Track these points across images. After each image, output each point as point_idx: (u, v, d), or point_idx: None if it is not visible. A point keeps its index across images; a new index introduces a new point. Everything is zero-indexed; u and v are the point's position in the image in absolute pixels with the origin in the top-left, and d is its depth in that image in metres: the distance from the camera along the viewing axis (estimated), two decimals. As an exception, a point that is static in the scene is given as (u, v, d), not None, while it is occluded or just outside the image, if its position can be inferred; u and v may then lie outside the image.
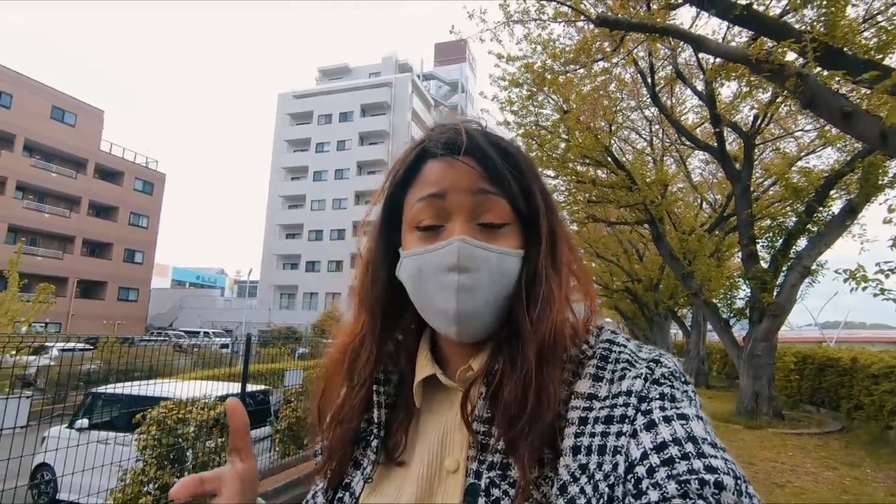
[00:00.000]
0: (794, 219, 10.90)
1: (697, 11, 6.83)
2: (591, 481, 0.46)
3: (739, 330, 12.00)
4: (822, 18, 4.51)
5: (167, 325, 37.66)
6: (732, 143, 11.67)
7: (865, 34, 5.56)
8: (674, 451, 0.43)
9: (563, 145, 10.66)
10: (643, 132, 13.48)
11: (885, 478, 5.91)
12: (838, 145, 9.87)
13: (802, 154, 11.25)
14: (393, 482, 0.58)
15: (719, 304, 12.26)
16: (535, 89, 9.13)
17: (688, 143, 11.19)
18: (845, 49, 4.32)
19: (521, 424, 0.50)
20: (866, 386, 7.93)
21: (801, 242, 10.18)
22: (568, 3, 5.62)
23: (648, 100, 10.22)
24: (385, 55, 46.25)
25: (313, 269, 38.91)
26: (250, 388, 4.99)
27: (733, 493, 0.41)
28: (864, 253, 9.87)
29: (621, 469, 0.45)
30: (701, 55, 8.35)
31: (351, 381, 0.63)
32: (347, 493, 0.59)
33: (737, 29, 7.20)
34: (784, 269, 9.74)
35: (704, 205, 16.04)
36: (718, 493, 0.40)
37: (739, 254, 11.14)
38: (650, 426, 0.46)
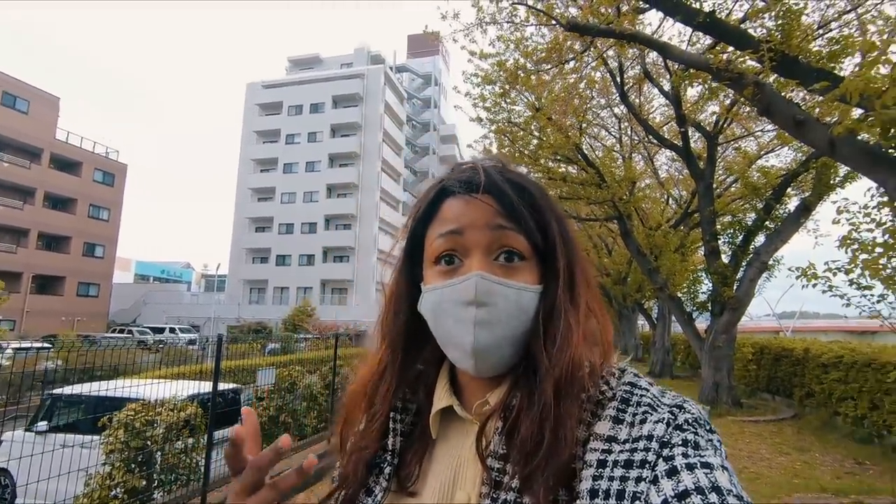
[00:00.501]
0: (753, 216, 11.38)
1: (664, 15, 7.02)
2: None
3: (703, 322, 12.48)
4: (779, 26, 4.72)
5: (130, 321, 36.46)
6: (697, 142, 12.06)
7: (819, 41, 5.86)
8: (696, 500, 0.41)
9: (535, 142, 10.83)
10: (612, 129, 13.76)
11: (832, 461, 6.30)
12: (795, 145, 10.33)
13: (762, 153, 11.71)
14: None
15: (683, 298, 12.72)
16: (507, 87, 9.21)
17: (655, 141, 11.51)
18: (800, 58, 4.54)
19: (536, 461, 0.49)
20: (817, 375, 8.38)
21: (760, 238, 10.66)
22: (538, 6, 5.70)
23: (618, 98, 10.45)
24: (357, 46, 45.57)
25: (284, 262, 38.28)
26: (220, 386, 4.93)
27: None
28: (818, 248, 10.44)
29: None
30: (667, 57, 8.57)
31: (371, 411, 0.64)
32: None
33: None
34: (743, 264, 10.17)
35: (670, 201, 16.52)
36: None
37: (702, 249, 11.58)
38: (672, 473, 0.44)
